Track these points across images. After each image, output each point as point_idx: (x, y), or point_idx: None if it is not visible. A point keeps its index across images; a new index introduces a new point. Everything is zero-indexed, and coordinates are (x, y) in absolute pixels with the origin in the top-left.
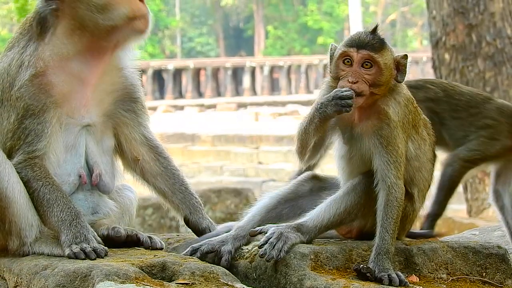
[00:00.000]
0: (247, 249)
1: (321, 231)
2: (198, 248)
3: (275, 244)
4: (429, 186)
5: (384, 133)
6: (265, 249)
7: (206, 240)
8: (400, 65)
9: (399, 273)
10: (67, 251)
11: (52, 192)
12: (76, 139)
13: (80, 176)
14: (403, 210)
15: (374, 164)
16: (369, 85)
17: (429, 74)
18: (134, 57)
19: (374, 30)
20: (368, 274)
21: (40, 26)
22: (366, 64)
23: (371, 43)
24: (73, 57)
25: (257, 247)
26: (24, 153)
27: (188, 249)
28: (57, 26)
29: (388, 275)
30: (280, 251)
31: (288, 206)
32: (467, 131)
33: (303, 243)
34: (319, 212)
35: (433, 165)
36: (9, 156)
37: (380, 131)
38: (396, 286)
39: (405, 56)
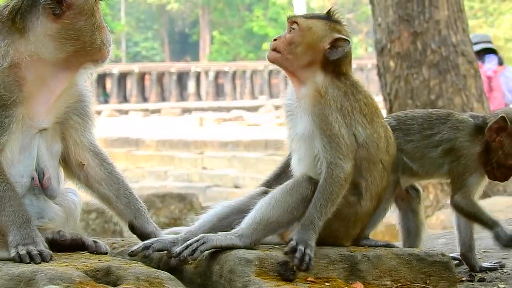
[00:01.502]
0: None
1: (259, 234)
2: (150, 245)
3: (191, 245)
4: (379, 189)
5: (317, 111)
6: (180, 250)
7: (158, 238)
8: (336, 44)
9: (311, 255)
10: (13, 252)
11: (5, 191)
12: (31, 141)
13: (32, 179)
14: (347, 206)
15: (315, 146)
16: (287, 44)
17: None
18: (91, 71)
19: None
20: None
21: (23, 21)
22: (292, 28)
23: (306, 14)
24: (48, 62)
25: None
26: None
27: (139, 244)
28: (44, 28)
29: (303, 249)
30: (195, 250)
31: (240, 217)
32: (423, 152)
33: (240, 247)
34: (255, 213)
35: (387, 172)
36: None
37: (314, 108)
38: (305, 263)
39: (346, 40)
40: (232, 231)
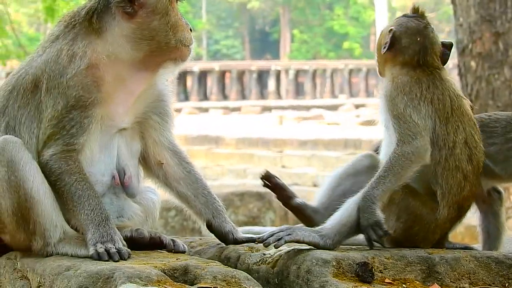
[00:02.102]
0: (269, 254)
1: (342, 236)
2: (282, 237)
3: (277, 233)
4: (458, 198)
5: (387, 94)
6: (266, 237)
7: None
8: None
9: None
10: (91, 250)
11: (85, 190)
12: (111, 140)
13: (113, 177)
14: (427, 211)
15: (389, 131)
16: None
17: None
18: (172, 70)
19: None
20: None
21: (99, 22)
22: None
23: None
24: (126, 63)
25: (276, 251)
26: (64, 144)
27: (269, 238)
28: (120, 28)
29: (373, 228)
30: (280, 239)
31: (350, 181)
32: (507, 155)
33: (321, 247)
34: (341, 214)
35: (469, 183)
36: (45, 144)
37: (385, 93)
38: (379, 237)
39: (392, 31)
40: (318, 228)
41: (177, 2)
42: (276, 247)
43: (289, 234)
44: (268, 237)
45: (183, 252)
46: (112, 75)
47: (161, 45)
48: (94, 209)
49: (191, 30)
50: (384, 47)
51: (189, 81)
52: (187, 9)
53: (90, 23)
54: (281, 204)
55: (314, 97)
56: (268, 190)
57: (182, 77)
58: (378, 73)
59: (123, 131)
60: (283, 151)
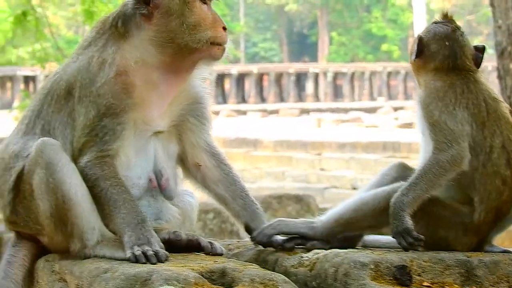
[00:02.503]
0: (307, 257)
1: (333, 232)
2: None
3: (264, 229)
4: (497, 204)
5: (422, 101)
6: (256, 233)
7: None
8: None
9: (408, 239)
10: (128, 253)
11: (120, 194)
12: (147, 143)
13: (150, 180)
14: (455, 214)
15: (426, 138)
16: None
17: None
18: (209, 71)
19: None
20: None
21: (125, 27)
22: None
23: None
24: (154, 66)
25: (314, 253)
26: (98, 150)
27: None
28: (144, 32)
29: (402, 235)
30: (265, 235)
31: None
32: None
33: (310, 237)
34: (338, 210)
35: (508, 188)
36: (80, 152)
37: (420, 100)
38: (410, 244)
39: (420, 38)
40: (313, 219)
41: (201, 1)
42: (263, 243)
43: (274, 228)
44: (257, 234)
45: (221, 254)
46: (142, 80)
47: (181, 47)
48: (129, 212)
49: (224, 28)
50: (414, 55)
51: (227, 83)
52: (225, 12)
53: (117, 28)
54: (319, 206)
55: (353, 100)
56: (306, 192)
57: (220, 79)
58: (416, 83)
59: (160, 134)
60: (322, 154)
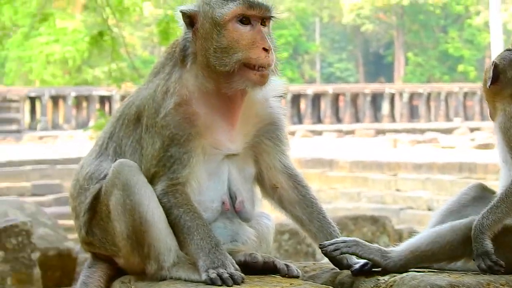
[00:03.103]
0: (384, 279)
1: (409, 263)
2: (340, 248)
3: (339, 243)
4: None
5: (500, 125)
6: (327, 244)
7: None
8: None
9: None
10: (204, 276)
11: (193, 220)
12: (219, 167)
13: (223, 203)
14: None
15: (506, 163)
16: None
17: None
18: (278, 86)
19: None
20: None
21: (182, 53)
22: None
23: None
24: (210, 92)
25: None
26: (168, 179)
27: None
28: (196, 56)
29: (483, 259)
30: (337, 249)
31: (453, 217)
32: None
33: (382, 267)
34: (415, 241)
35: None
36: (151, 181)
37: (499, 125)
38: (489, 267)
39: (495, 65)
40: (388, 248)
41: (240, 22)
42: (331, 256)
43: (349, 247)
44: (329, 245)
45: (297, 277)
46: (203, 107)
47: (214, 71)
48: (203, 238)
49: (266, 49)
50: (489, 81)
51: (303, 104)
52: (301, 32)
53: (179, 55)
54: (394, 227)
55: (429, 120)
56: (382, 213)
57: (295, 100)
58: (489, 117)
59: (233, 156)
60: (397, 175)
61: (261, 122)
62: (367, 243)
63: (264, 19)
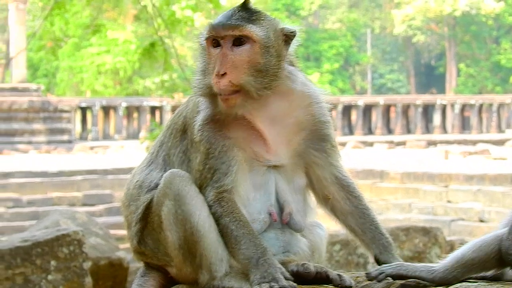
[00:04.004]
0: None
1: (455, 274)
2: (385, 271)
3: (384, 268)
4: None
5: None
6: (373, 270)
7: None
8: None
9: None
10: (256, 287)
11: (238, 229)
12: (264, 178)
13: (270, 214)
14: None
15: None
16: None
17: None
18: (322, 92)
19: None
20: None
21: None
22: None
23: None
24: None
25: None
26: (213, 188)
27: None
28: None
29: None
30: (382, 273)
31: None
32: None
33: (427, 281)
34: (461, 251)
35: None
36: (201, 192)
37: None
38: None
39: None
40: (435, 264)
41: (212, 46)
42: (378, 280)
43: (393, 268)
44: (375, 270)
45: (350, 287)
46: (234, 119)
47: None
48: (249, 246)
49: (217, 75)
50: None
51: (354, 115)
52: (352, 43)
53: None
54: (446, 239)
55: (480, 132)
56: (433, 225)
57: (346, 111)
58: None
59: (280, 168)
60: (449, 186)
61: (304, 129)
62: (410, 263)
63: (235, 39)
